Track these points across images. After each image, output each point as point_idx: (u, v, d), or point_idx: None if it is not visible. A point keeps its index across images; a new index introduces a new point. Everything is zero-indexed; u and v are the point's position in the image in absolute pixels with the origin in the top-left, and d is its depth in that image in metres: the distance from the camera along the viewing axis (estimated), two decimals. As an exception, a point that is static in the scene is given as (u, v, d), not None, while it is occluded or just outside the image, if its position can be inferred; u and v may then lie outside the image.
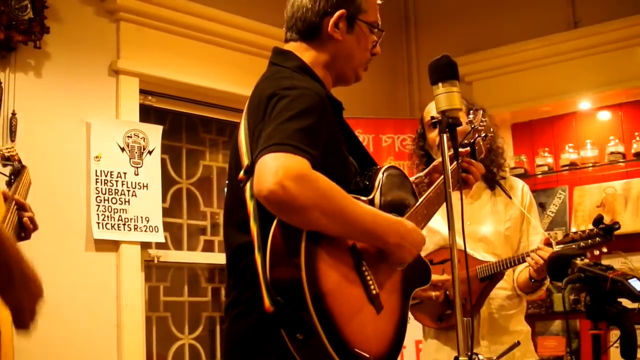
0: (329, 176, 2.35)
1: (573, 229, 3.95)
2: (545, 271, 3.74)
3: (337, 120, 2.69)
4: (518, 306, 4.12)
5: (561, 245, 3.81)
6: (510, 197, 4.08)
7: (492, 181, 4.08)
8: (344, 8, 2.74)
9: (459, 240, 2.51)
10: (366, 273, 2.51)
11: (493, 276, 3.88)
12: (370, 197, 2.66)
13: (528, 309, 6.41)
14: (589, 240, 3.78)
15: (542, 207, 6.48)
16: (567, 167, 6.44)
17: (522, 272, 4.00)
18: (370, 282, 2.51)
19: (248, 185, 2.45)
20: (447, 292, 3.84)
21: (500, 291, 4.01)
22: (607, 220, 3.79)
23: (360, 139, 4.42)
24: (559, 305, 6.34)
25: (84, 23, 4.99)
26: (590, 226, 3.80)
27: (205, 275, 5.77)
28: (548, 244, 3.85)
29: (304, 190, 2.24)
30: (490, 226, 4.08)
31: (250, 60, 5.64)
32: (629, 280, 2.79)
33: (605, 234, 3.77)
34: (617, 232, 6.17)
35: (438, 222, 3.77)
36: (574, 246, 3.79)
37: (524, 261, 3.85)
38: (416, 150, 4.22)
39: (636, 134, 6.17)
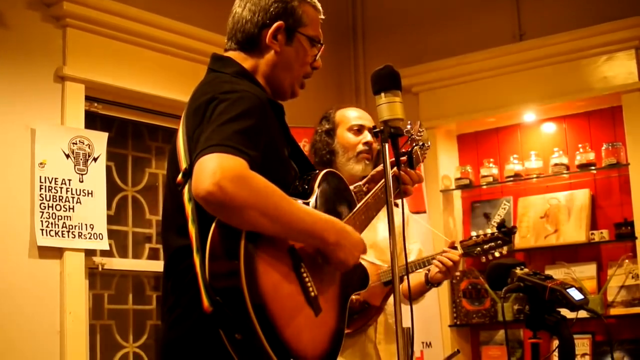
0: (269, 178, 2.37)
1: (473, 233, 4.07)
2: (452, 273, 3.93)
3: (278, 124, 2.72)
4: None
5: (465, 248, 3.98)
6: (397, 205, 4.09)
7: None
8: (282, 20, 2.77)
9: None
10: (305, 275, 2.52)
11: None
12: (308, 200, 2.69)
13: (472, 319, 6.49)
14: (492, 243, 3.96)
15: (486, 217, 6.56)
16: (511, 178, 6.51)
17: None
18: (309, 284, 2.53)
19: (186, 188, 2.48)
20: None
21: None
22: (508, 225, 4.05)
23: (307, 148, 4.44)
24: (503, 314, 6.41)
25: (29, 28, 4.94)
26: (494, 229, 3.99)
27: (151, 283, 5.74)
28: (453, 246, 3.96)
29: (241, 190, 2.27)
30: (381, 233, 4.13)
31: (197, 68, 5.57)
32: (568, 290, 2.84)
33: (505, 236, 3.95)
34: (560, 243, 6.29)
35: None
36: (478, 249, 3.96)
37: (429, 264, 3.93)
38: (321, 147, 4.25)
39: (580, 145, 6.25)
